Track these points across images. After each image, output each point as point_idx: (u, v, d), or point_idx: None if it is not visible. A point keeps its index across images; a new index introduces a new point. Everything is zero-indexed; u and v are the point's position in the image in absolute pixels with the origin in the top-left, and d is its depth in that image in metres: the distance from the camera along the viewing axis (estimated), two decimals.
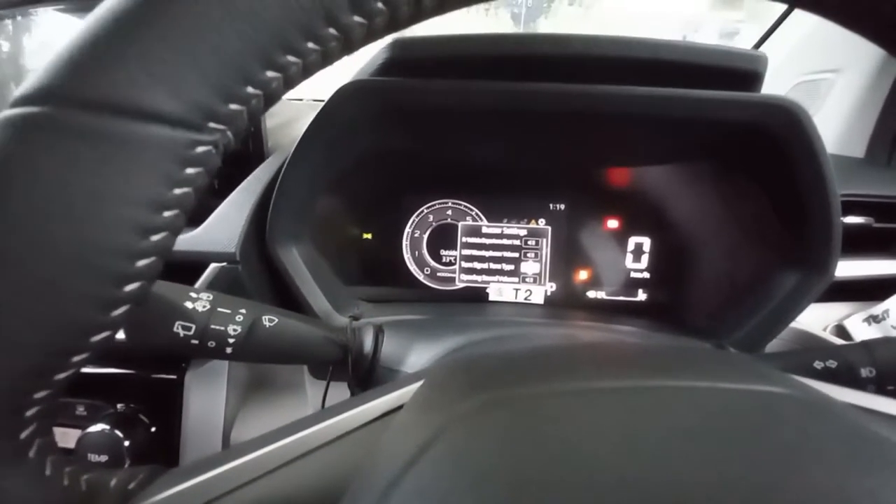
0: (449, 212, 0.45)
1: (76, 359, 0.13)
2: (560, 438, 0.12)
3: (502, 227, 0.45)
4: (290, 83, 0.13)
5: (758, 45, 0.71)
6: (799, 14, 0.65)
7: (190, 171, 0.13)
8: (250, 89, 0.12)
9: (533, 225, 0.45)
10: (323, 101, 0.33)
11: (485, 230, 0.45)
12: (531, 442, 0.12)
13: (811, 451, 0.12)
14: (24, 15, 0.59)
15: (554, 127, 0.36)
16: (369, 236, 0.45)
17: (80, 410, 0.35)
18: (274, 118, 0.45)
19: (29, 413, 0.13)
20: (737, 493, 0.10)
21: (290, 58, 0.12)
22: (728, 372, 0.16)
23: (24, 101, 0.11)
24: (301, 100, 0.65)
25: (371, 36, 0.13)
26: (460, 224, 0.45)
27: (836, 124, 0.56)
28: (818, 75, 0.60)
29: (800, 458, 0.12)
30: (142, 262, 0.12)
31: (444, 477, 0.12)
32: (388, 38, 0.34)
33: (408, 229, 0.45)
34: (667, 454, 0.12)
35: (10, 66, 0.64)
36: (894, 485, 0.11)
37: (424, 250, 0.46)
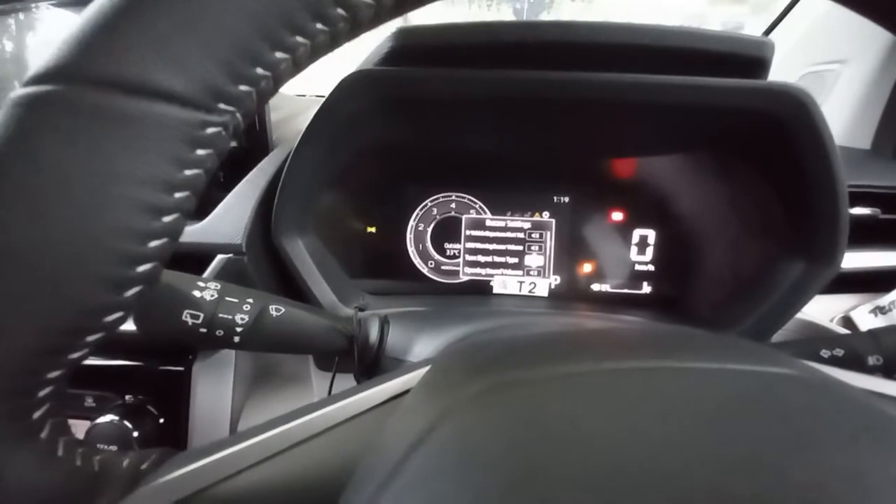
0: (453, 205, 0.45)
1: (90, 338, 0.13)
2: (565, 421, 0.12)
3: (506, 219, 0.45)
4: (298, 65, 0.13)
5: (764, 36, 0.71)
6: (804, 5, 0.64)
7: (200, 152, 0.13)
8: (259, 70, 0.12)
9: (537, 217, 0.45)
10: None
11: (489, 223, 0.45)
12: (536, 424, 0.12)
13: (820, 432, 0.12)
14: (25, 12, 0.59)
15: (559, 115, 0.36)
16: (373, 229, 0.45)
17: (89, 402, 0.35)
18: (278, 112, 0.45)
19: (42, 393, 0.13)
20: (745, 473, 0.10)
21: (299, 38, 0.13)
22: (735, 354, 0.16)
23: (36, 80, 0.11)
24: (304, 95, 0.66)
25: (379, 17, 0.13)
26: (464, 217, 0.45)
27: (843, 116, 0.56)
28: (824, 66, 0.59)
29: (809, 438, 0.12)
30: (154, 243, 0.13)
31: (449, 459, 0.12)
32: (392, 27, 0.34)
33: (412, 222, 0.45)
34: (673, 436, 0.12)
35: (12, 64, 0.65)
36: None
37: (428, 243, 0.46)
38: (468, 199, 0.45)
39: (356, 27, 0.13)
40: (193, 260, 0.34)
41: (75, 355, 0.13)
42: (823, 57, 0.60)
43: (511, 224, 0.45)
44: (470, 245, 0.46)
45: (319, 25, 0.13)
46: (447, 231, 0.45)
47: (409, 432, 0.13)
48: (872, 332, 0.29)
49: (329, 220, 0.41)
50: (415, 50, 0.33)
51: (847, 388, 0.15)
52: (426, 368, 0.18)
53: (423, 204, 0.45)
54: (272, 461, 0.16)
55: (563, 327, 0.35)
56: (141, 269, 0.13)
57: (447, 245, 0.46)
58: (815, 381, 0.14)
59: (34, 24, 0.62)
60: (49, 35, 0.62)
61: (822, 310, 0.44)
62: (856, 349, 0.28)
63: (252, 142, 0.41)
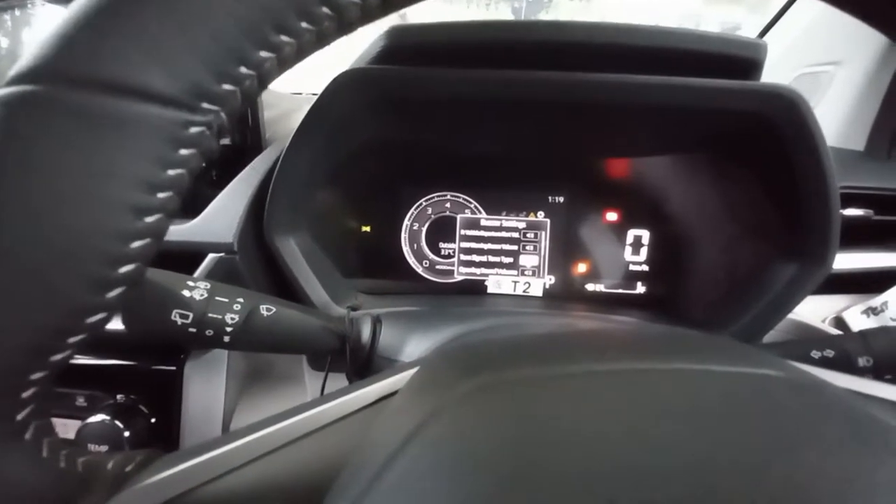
0: (448, 204, 0.45)
1: (72, 340, 0.13)
2: (553, 421, 0.12)
3: (501, 219, 0.45)
4: (283, 64, 0.13)
5: (759, 37, 0.71)
6: (800, 6, 0.64)
7: (184, 151, 0.12)
8: (244, 69, 0.12)
9: (532, 217, 0.45)
10: None
11: (483, 223, 0.45)
12: (524, 424, 0.12)
13: (806, 433, 0.12)
14: (21, 9, 0.59)
15: (552, 116, 0.36)
16: (368, 229, 0.45)
17: (80, 401, 0.35)
18: (272, 110, 0.44)
19: (25, 394, 0.13)
20: (733, 474, 0.10)
21: (284, 38, 0.12)
22: (724, 355, 0.16)
23: (16, 79, 0.11)
24: (300, 93, 0.65)
25: (366, 16, 0.13)
26: (459, 217, 0.45)
27: (837, 117, 0.56)
28: (819, 68, 0.60)
29: (795, 439, 0.12)
30: (136, 244, 0.12)
31: (436, 459, 0.12)
32: (386, 26, 0.34)
33: (406, 222, 0.45)
34: (662, 436, 0.12)
35: (7, 61, 0.64)
36: (889, 466, 0.11)
37: (423, 243, 0.46)
38: (463, 199, 0.45)
39: (343, 26, 0.13)
40: (185, 259, 0.34)
41: (58, 357, 0.13)
42: (818, 58, 0.60)
43: (506, 224, 0.45)
44: (465, 245, 0.46)
45: (305, 24, 0.12)
46: (442, 230, 0.45)
47: (396, 432, 0.13)
48: (863, 334, 0.30)
49: (323, 218, 0.41)
50: (408, 49, 0.33)
51: (835, 389, 0.15)
52: (415, 369, 0.18)
53: (418, 203, 0.45)
54: (259, 462, 0.16)
55: (554, 328, 0.35)
56: (124, 269, 0.12)
57: (442, 245, 0.46)
58: (803, 383, 0.15)
59: (30, 19, 0.61)
60: (45, 31, 0.62)
61: (815, 310, 0.44)
62: (846, 350, 0.29)
63: (245, 140, 0.41)
